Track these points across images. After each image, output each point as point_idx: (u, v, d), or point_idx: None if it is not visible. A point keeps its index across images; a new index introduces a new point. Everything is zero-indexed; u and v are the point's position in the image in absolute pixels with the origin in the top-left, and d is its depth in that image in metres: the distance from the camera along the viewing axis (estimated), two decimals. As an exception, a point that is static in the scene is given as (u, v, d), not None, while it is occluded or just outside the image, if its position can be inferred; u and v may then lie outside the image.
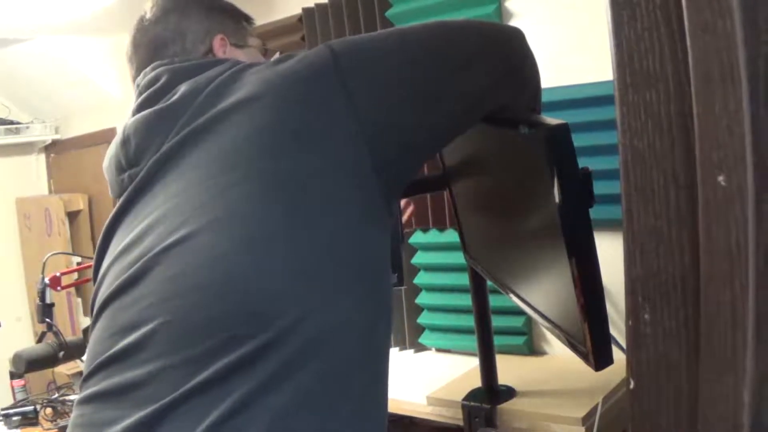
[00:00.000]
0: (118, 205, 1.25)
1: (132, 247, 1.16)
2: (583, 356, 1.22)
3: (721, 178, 0.62)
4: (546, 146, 1.13)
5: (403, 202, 1.94)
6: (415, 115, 1.18)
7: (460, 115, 1.26)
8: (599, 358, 1.19)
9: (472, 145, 1.60)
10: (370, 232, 1.15)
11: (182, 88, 1.22)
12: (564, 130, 1.12)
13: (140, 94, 1.29)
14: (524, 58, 1.35)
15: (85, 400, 1.13)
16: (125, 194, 1.23)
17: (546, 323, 1.40)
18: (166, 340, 1.05)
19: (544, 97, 1.47)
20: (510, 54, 1.32)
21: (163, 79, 1.27)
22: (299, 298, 1.05)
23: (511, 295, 1.57)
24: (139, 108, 1.27)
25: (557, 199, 1.12)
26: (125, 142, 1.25)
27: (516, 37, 1.35)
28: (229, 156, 1.12)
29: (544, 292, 1.37)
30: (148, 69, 1.33)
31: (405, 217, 2.09)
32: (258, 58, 1.46)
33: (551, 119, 1.17)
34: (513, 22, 2.32)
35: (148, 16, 1.41)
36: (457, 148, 1.78)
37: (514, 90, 1.34)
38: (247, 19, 1.52)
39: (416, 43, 1.22)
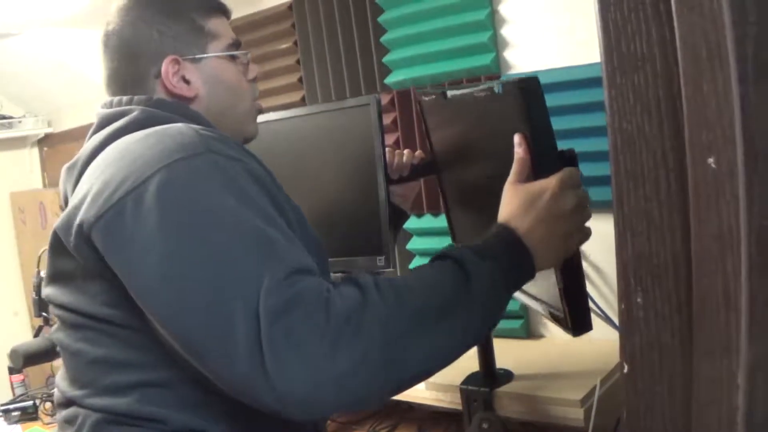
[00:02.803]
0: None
1: None
2: (562, 323, 1.27)
3: (710, 160, 0.62)
4: (519, 96, 1.17)
5: (400, 188, 1.93)
6: None
7: None
8: (575, 322, 1.23)
9: (455, 126, 1.60)
10: None
11: (84, 146, 1.31)
12: (534, 80, 1.17)
13: None
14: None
15: None
16: None
17: (526, 297, 1.42)
18: None
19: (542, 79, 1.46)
20: None
21: (93, 125, 1.35)
22: None
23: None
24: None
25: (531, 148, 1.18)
26: (59, 186, 1.39)
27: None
28: None
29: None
30: (104, 101, 1.41)
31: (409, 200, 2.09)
32: (221, 69, 1.44)
33: None
34: (504, 5, 2.31)
35: (109, 27, 1.43)
36: (443, 132, 1.78)
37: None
38: (218, 10, 1.48)
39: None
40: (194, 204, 1.06)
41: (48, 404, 2.73)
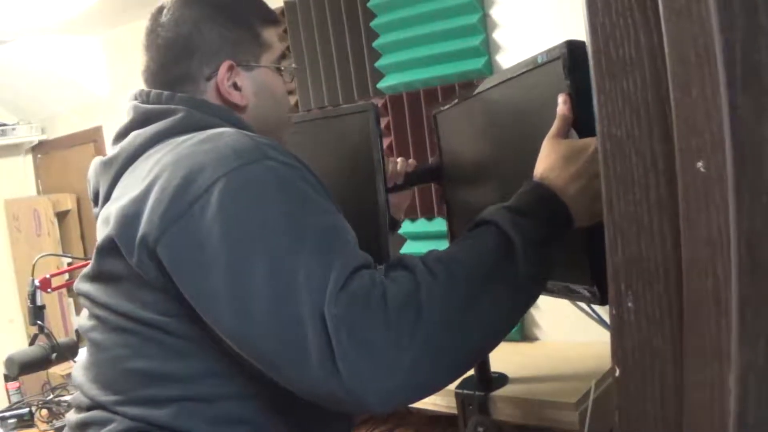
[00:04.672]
0: None
1: None
2: (591, 296, 1.24)
3: (700, 164, 0.62)
4: (567, 56, 1.19)
5: (393, 197, 1.93)
6: None
7: None
8: (602, 288, 1.20)
9: (478, 129, 1.60)
10: None
11: (123, 143, 1.29)
12: (581, 43, 1.16)
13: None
14: None
15: None
16: None
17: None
18: None
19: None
20: None
21: (128, 118, 1.34)
22: None
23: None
24: (115, 138, 1.36)
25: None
26: (89, 180, 1.39)
27: None
28: None
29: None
30: (136, 92, 1.38)
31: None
32: (270, 80, 1.43)
33: None
34: (495, 8, 2.31)
35: (163, 19, 1.39)
36: (459, 139, 1.78)
37: None
38: (274, 20, 1.47)
39: None
40: (257, 212, 1.06)
41: (44, 411, 2.73)
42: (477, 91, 1.61)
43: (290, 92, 1.52)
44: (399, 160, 1.90)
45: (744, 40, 0.59)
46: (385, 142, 2.54)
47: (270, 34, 1.44)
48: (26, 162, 5.12)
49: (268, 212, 1.06)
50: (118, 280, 1.19)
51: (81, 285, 1.29)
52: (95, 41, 3.99)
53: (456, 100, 1.76)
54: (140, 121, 1.31)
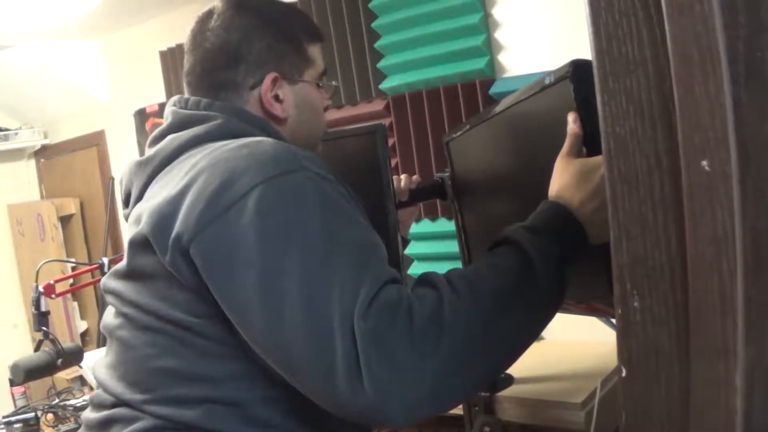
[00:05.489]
0: None
1: None
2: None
3: (704, 163, 0.62)
4: (573, 76, 1.19)
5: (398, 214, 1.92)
6: None
7: None
8: None
9: (492, 152, 1.60)
10: None
11: (159, 145, 1.30)
12: (586, 62, 1.16)
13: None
14: None
15: None
16: None
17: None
18: None
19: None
20: None
21: (166, 123, 1.34)
22: None
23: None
24: (151, 142, 1.36)
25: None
26: (121, 180, 1.39)
27: None
28: None
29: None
30: (176, 98, 1.38)
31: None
32: (311, 95, 1.43)
33: None
34: (497, 8, 2.31)
35: (212, 24, 1.38)
36: (474, 164, 1.78)
37: None
38: (319, 38, 1.47)
39: None
40: (293, 220, 1.07)
41: (50, 416, 2.73)
42: (487, 116, 1.61)
43: (326, 109, 1.51)
44: (403, 177, 1.90)
45: (747, 37, 0.59)
46: (389, 143, 2.54)
47: (314, 51, 1.44)
48: (29, 166, 5.13)
49: (304, 222, 1.07)
50: (149, 278, 1.19)
51: (109, 282, 1.29)
52: (96, 45, 4.00)
53: (467, 127, 1.76)
54: (178, 125, 1.31)
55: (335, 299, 1.00)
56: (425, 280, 1.10)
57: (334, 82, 1.55)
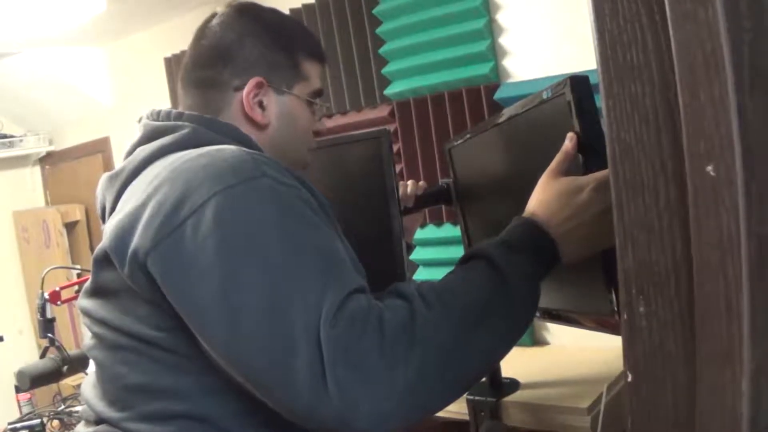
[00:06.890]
0: None
1: None
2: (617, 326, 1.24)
3: (709, 168, 0.62)
4: (570, 92, 1.19)
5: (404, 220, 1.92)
6: None
7: None
8: None
9: (493, 160, 1.60)
10: None
11: (129, 158, 1.29)
12: (584, 78, 1.18)
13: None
14: None
15: None
16: None
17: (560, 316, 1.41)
18: None
19: (541, 87, 1.46)
20: None
21: (137, 136, 1.33)
22: None
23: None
24: (124, 155, 1.34)
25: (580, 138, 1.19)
26: (97, 196, 1.38)
27: None
28: None
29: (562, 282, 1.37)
30: (149, 111, 1.38)
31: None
32: (298, 110, 1.43)
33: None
34: (501, 13, 2.32)
35: (213, 23, 1.41)
36: (474, 172, 1.78)
37: None
38: (319, 57, 1.48)
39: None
40: (252, 229, 1.06)
41: (56, 422, 2.73)
42: (488, 126, 1.62)
43: (317, 133, 1.50)
44: (409, 183, 1.89)
45: (751, 43, 0.59)
46: (394, 148, 2.54)
47: (310, 67, 1.44)
48: (34, 173, 5.14)
49: (262, 230, 1.06)
50: (113, 294, 1.19)
51: (81, 301, 1.29)
52: (101, 52, 4.01)
53: (468, 135, 1.76)
54: (147, 137, 1.31)
55: (297, 308, 0.99)
56: (396, 291, 1.10)
57: (327, 106, 1.53)
